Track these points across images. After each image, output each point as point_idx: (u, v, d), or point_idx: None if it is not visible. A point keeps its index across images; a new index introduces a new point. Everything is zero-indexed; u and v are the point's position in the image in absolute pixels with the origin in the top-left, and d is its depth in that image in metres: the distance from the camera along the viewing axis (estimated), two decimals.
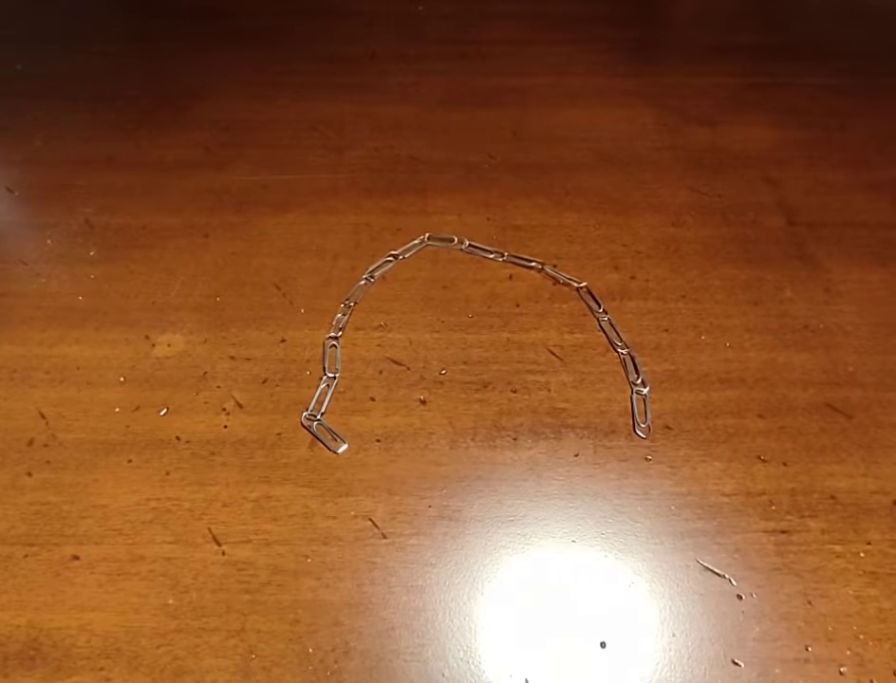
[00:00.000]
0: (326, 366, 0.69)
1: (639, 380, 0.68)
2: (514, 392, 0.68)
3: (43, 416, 0.66)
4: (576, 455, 0.63)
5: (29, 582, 0.55)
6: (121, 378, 0.69)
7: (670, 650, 0.52)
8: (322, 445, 0.64)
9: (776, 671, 0.51)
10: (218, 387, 0.68)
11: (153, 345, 0.72)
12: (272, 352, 0.71)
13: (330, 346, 0.71)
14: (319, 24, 1.22)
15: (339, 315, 0.74)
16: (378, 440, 0.64)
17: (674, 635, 0.53)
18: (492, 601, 0.54)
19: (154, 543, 0.57)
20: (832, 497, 0.60)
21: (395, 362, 0.70)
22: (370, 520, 0.59)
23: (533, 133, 0.99)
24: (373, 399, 0.67)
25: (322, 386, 0.68)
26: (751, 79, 1.09)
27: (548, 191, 0.89)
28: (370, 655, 0.52)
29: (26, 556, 0.57)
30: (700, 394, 0.67)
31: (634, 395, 0.67)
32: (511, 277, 0.79)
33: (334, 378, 0.69)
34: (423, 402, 0.67)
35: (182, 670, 0.51)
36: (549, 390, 0.68)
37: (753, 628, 0.53)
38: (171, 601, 0.54)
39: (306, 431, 0.65)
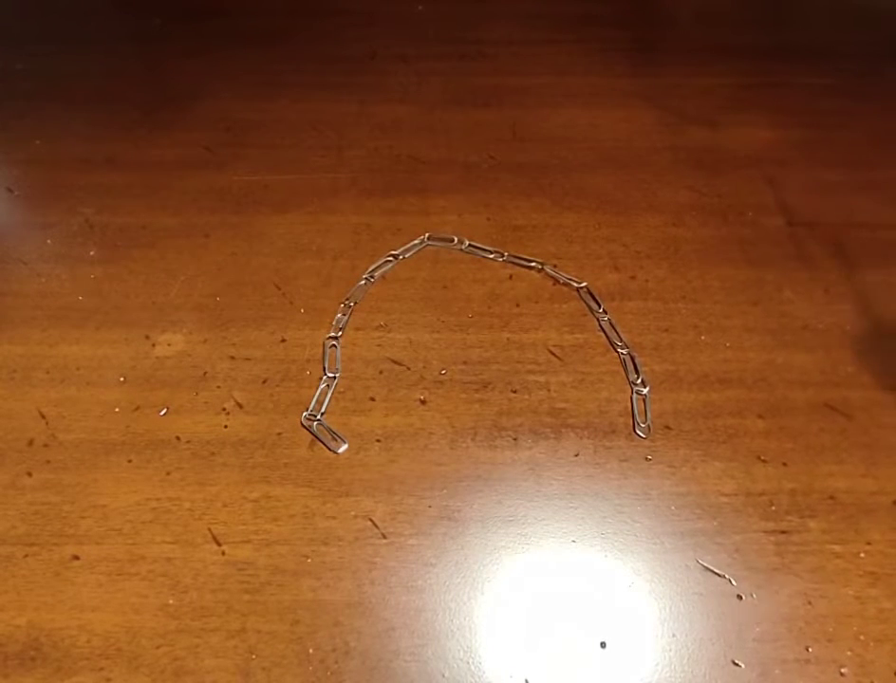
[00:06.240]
0: (326, 366, 0.69)
1: (639, 380, 0.68)
2: (514, 392, 0.68)
3: (43, 416, 0.66)
4: (576, 455, 0.63)
5: (29, 582, 0.55)
6: (121, 378, 0.69)
7: (670, 650, 0.52)
8: (322, 445, 0.64)
9: (776, 671, 0.51)
10: (218, 387, 0.68)
11: (153, 345, 0.72)
12: (272, 352, 0.71)
13: (330, 346, 0.71)
14: (319, 24, 1.22)
15: (339, 315, 0.74)
16: (378, 440, 0.64)
17: (674, 635, 0.53)
18: (492, 601, 0.54)
19: (154, 543, 0.57)
20: (832, 497, 0.60)
21: (395, 362, 0.70)
22: (370, 520, 0.59)
23: (533, 133, 0.99)
24: (373, 399, 0.67)
25: (322, 386, 0.68)
26: (751, 79, 1.09)
27: (548, 191, 0.89)
28: (370, 655, 0.52)
29: (26, 556, 0.57)
30: (699, 394, 0.67)
31: (634, 395, 0.67)
32: (511, 277, 0.79)
33: (334, 378, 0.69)
34: (423, 402, 0.67)
35: (182, 670, 0.51)
36: (549, 390, 0.68)
37: (753, 628, 0.53)
38: (171, 601, 0.54)
39: (306, 431, 0.65)
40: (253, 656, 0.52)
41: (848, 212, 0.86)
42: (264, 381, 0.69)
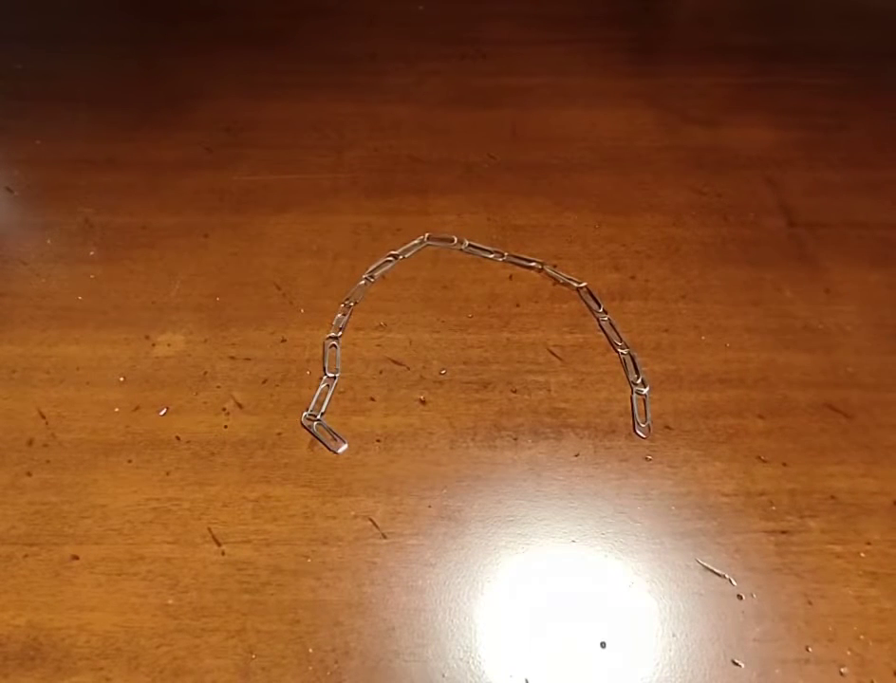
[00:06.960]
0: (326, 366, 0.69)
1: (639, 380, 0.68)
2: (514, 392, 0.68)
3: (43, 416, 0.66)
4: (576, 455, 0.63)
5: (29, 582, 0.55)
6: (121, 378, 0.69)
7: (670, 650, 0.52)
8: (322, 445, 0.64)
9: (777, 671, 0.51)
10: (218, 387, 0.68)
11: (153, 345, 0.72)
12: (272, 352, 0.71)
13: (330, 346, 0.71)
14: (319, 24, 1.22)
15: (339, 315, 0.74)
16: (378, 440, 0.64)
17: (674, 635, 0.53)
18: (492, 601, 0.54)
19: (154, 543, 0.57)
20: (833, 497, 0.60)
21: (395, 362, 0.70)
22: (370, 520, 0.59)
23: (533, 133, 0.99)
24: (373, 399, 0.67)
25: (322, 386, 0.68)
26: (751, 79, 1.09)
27: (548, 191, 0.89)
28: (370, 655, 0.52)
29: (26, 556, 0.57)
30: (700, 394, 0.67)
31: (634, 395, 0.67)
32: (511, 277, 0.79)
33: (334, 378, 0.69)
34: (423, 402, 0.67)
35: (182, 670, 0.51)
36: (549, 390, 0.68)
37: (753, 628, 0.53)
38: (170, 601, 0.54)
39: (306, 431, 0.65)
40: (253, 656, 0.51)
41: (849, 212, 0.86)
42: (264, 381, 0.68)
